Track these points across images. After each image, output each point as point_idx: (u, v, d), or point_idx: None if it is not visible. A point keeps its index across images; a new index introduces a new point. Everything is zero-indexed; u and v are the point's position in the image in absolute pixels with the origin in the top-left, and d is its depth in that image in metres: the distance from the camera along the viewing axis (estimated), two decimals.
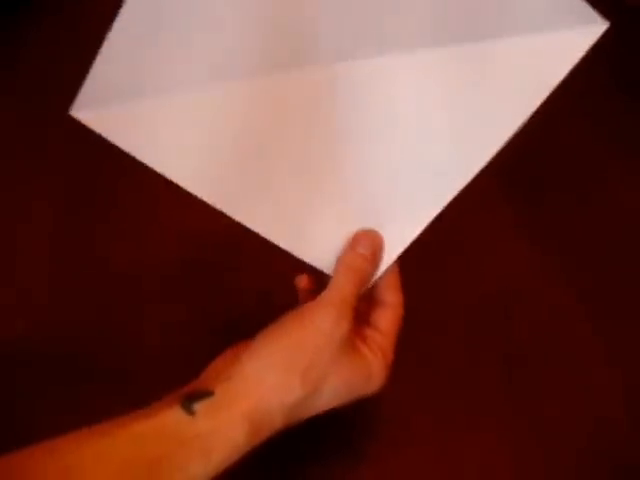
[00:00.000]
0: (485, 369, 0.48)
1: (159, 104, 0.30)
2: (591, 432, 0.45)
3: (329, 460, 0.44)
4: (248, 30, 0.29)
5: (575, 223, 0.58)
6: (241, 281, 0.52)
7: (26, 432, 0.42)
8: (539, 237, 0.56)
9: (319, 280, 0.38)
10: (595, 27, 0.34)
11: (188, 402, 0.31)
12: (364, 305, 0.37)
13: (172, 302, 0.52)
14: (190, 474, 0.30)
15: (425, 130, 0.34)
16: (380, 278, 0.36)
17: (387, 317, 0.37)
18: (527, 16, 0.33)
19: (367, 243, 0.35)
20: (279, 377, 0.32)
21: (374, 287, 0.37)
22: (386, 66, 0.32)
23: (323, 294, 0.34)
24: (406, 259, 0.55)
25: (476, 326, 0.51)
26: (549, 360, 0.49)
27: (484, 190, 0.60)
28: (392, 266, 0.37)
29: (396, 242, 0.36)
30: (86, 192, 0.58)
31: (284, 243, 0.34)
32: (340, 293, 0.34)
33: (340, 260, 0.35)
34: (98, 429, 0.30)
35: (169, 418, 0.30)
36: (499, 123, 0.34)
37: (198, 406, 0.31)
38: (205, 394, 0.31)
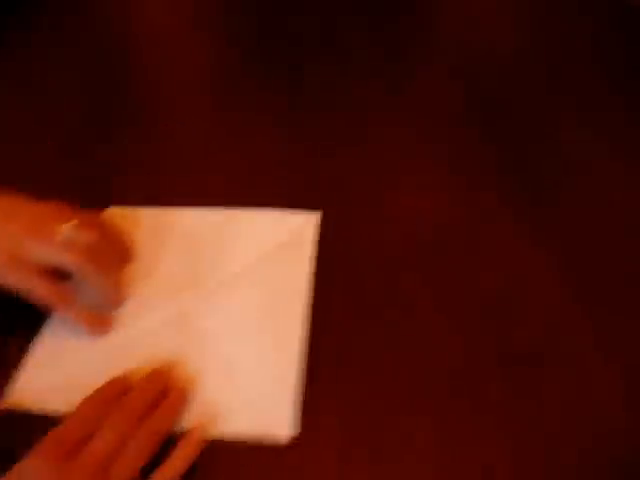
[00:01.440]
0: (485, 369, 0.48)
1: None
2: (591, 432, 0.45)
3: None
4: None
5: (575, 223, 0.58)
6: None
7: None
8: (539, 237, 0.56)
9: None
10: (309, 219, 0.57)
11: None
12: None
13: None
14: None
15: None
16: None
17: None
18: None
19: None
20: None
21: None
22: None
23: None
24: (406, 260, 0.55)
25: (476, 326, 0.51)
26: (549, 360, 0.49)
27: (484, 191, 0.60)
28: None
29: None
30: None
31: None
32: None
33: None
34: None
35: None
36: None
37: None
38: None
